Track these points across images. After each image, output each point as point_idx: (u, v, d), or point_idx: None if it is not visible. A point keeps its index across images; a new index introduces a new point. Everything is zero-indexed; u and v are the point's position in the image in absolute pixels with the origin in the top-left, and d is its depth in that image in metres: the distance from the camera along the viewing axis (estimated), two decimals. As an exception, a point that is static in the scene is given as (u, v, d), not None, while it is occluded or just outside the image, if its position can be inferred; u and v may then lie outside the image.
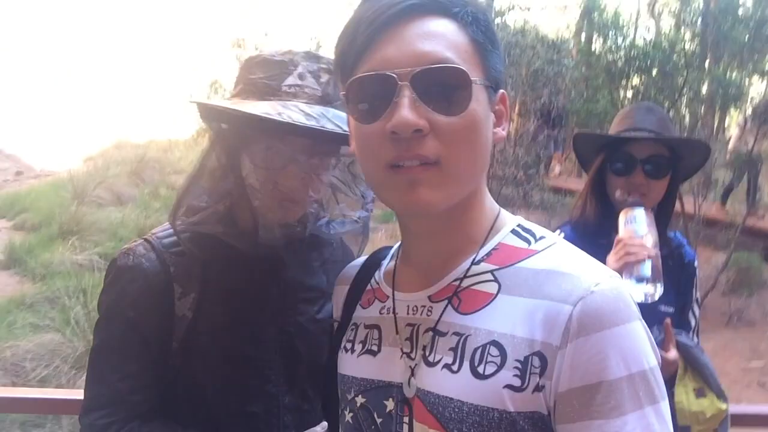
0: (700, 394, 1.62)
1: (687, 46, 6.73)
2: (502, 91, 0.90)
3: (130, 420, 1.15)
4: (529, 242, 0.90)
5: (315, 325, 1.29)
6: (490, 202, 0.95)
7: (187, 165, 16.57)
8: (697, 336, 1.88)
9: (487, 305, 0.86)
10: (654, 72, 6.51)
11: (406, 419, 0.89)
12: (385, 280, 1.02)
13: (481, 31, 0.86)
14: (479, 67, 0.85)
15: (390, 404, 0.91)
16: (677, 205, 1.83)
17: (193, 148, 17.94)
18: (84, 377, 1.25)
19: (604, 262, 1.63)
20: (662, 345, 1.58)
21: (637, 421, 0.76)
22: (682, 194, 1.95)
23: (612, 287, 0.81)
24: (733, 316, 7.51)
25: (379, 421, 0.93)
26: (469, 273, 0.89)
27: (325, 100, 1.15)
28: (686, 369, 1.65)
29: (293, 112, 1.08)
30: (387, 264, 1.06)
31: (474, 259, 0.90)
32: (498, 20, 8.43)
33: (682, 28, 7.52)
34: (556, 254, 0.87)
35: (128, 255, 1.20)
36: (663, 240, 1.75)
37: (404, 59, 0.80)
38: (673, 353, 1.58)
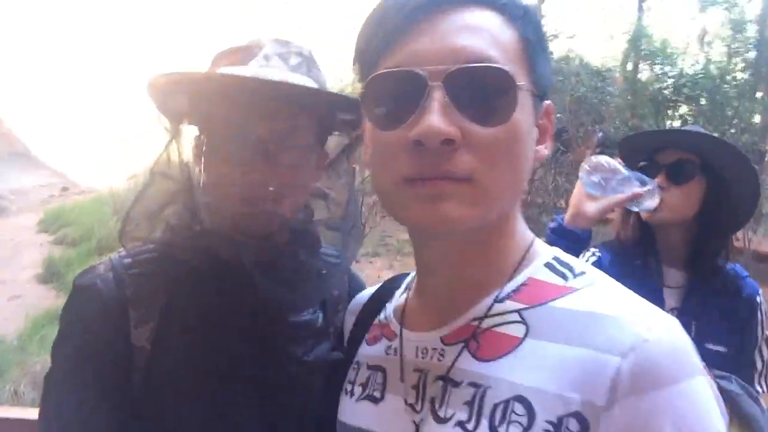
0: None
1: (738, 75, 6.51)
2: (548, 102, 0.77)
3: None
4: (566, 278, 0.76)
5: (302, 368, 1.04)
6: (522, 229, 0.81)
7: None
8: (766, 380, 1.70)
9: (511, 351, 0.71)
10: (703, 101, 6.30)
11: None
12: (394, 314, 0.88)
13: (532, 29, 0.74)
14: (527, 70, 0.72)
15: None
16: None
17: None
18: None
19: (640, 284, 1.53)
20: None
21: None
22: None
23: (670, 334, 0.67)
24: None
25: None
26: (492, 312, 0.75)
27: (299, 69, 1.00)
28: (735, 421, 1.49)
29: (228, 69, 0.96)
30: (400, 295, 0.92)
31: (498, 296, 0.76)
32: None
33: (734, 57, 7.30)
34: (600, 293, 0.73)
35: (87, 273, 1.04)
36: (712, 267, 1.63)
37: (438, 55, 0.68)
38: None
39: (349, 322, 0.99)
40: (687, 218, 1.66)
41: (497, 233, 0.76)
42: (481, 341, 0.74)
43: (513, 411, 0.67)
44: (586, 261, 1.68)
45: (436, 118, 0.65)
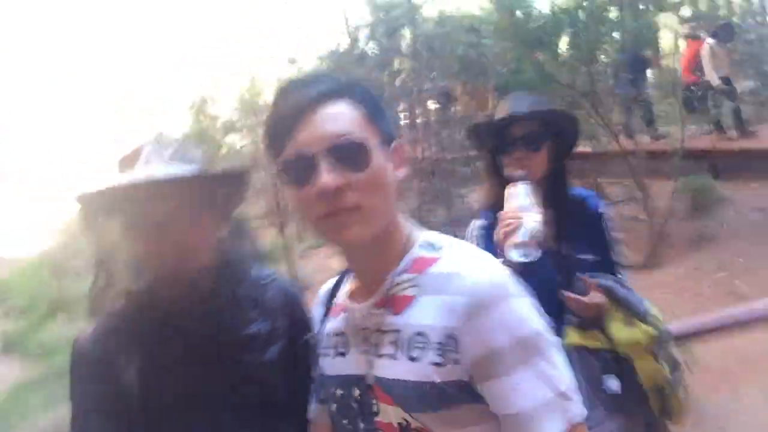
0: (629, 323, 1.91)
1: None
2: (395, 143, 1.19)
3: None
4: (432, 251, 1.17)
5: (263, 368, 1.41)
6: (403, 225, 1.21)
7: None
8: (625, 269, 2.15)
9: (411, 305, 1.13)
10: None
11: (374, 401, 1.15)
12: (345, 295, 1.29)
13: (371, 104, 1.15)
14: (373, 131, 1.12)
15: (356, 391, 1.18)
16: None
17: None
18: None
19: None
20: (584, 292, 1.89)
21: (527, 371, 1.03)
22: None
23: (489, 278, 1.08)
24: (695, 238, 7.93)
25: (354, 406, 1.19)
26: (395, 282, 1.16)
27: (176, 158, 1.33)
28: (614, 305, 1.95)
29: (116, 177, 1.29)
30: (350, 280, 1.32)
31: (396, 272, 1.16)
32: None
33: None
34: (453, 258, 1.15)
35: (78, 340, 1.41)
36: (563, 200, 2.06)
37: (317, 139, 1.07)
38: (592, 297, 1.88)
39: (318, 309, 1.38)
40: (544, 174, 2.05)
41: (385, 234, 1.16)
42: (393, 303, 1.16)
43: (416, 341, 1.10)
44: (473, 227, 2.10)
45: (325, 177, 1.05)
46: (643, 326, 1.90)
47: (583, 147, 9.53)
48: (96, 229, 1.34)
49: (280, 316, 1.49)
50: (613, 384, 1.88)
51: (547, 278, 1.83)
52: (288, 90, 1.13)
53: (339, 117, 1.10)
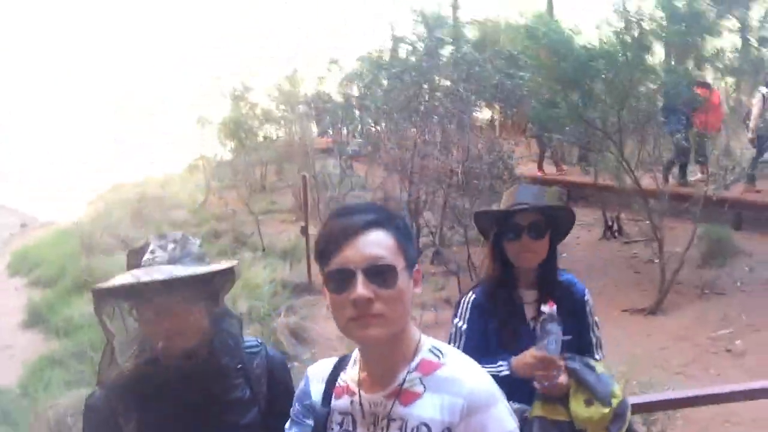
0: (588, 403, 2.12)
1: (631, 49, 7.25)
2: (416, 267, 1.40)
3: None
4: (439, 357, 1.40)
5: (243, 428, 1.68)
6: (413, 331, 1.42)
7: (186, 198, 17.24)
8: (600, 349, 2.40)
9: (418, 400, 1.35)
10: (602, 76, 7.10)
11: None
12: (351, 381, 1.45)
13: (402, 235, 1.38)
14: (402, 257, 1.35)
15: None
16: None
17: (188, 180, 18.51)
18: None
19: (508, 306, 2.25)
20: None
21: None
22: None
23: (483, 386, 1.35)
24: (705, 287, 8.00)
25: None
26: (407, 379, 1.37)
27: (172, 261, 1.59)
28: (577, 386, 2.20)
29: (124, 278, 1.54)
30: (351, 367, 1.48)
31: (408, 370, 1.38)
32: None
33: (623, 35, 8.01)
34: (455, 366, 1.39)
35: (90, 398, 1.69)
36: (553, 284, 2.30)
37: (358, 258, 1.30)
38: (562, 378, 2.13)
39: (318, 385, 1.51)
40: (543, 259, 2.28)
41: (400, 337, 1.37)
42: (403, 396, 1.36)
43: (420, 430, 1.32)
44: (468, 300, 2.34)
45: (361, 289, 1.27)
46: (601, 407, 2.14)
47: (608, 180, 9.76)
48: (107, 315, 1.61)
49: (263, 382, 1.75)
50: (569, 452, 2.13)
51: None
52: (340, 214, 1.39)
53: (377, 243, 1.33)
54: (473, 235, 8.91)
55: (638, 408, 2.55)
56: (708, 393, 2.69)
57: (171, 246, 1.62)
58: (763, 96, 9.73)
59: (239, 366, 1.72)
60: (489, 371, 2.20)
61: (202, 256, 1.67)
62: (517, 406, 2.14)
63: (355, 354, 1.50)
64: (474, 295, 2.34)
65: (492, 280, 2.33)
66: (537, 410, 2.16)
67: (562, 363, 2.11)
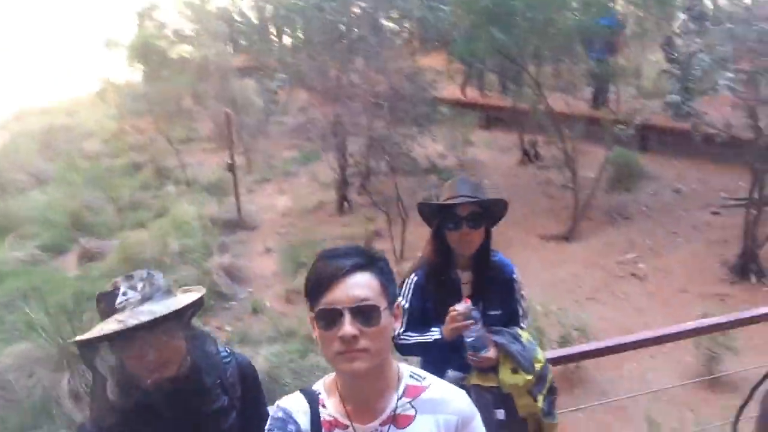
0: (514, 372, 2.44)
1: None
2: (396, 303, 1.51)
3: None
4: (420, 381, 1.53)
5: None
6: (393, 362, 1.53)
7: (96, 126, 16.35)
8: (526, 318, 2.70)
9: (412, 422, 1.48)
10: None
11: None
12: (339, 414, 1.51)
13: (385, 276, 1.47)
14: (384, 297, 1.44)
15: None
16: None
17: (97, 106, 17.50)
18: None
19: (448, 287, 2.51)
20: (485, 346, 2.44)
21: None
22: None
23: (465, 402, 1.53)
24: (614, 212, 8.62)
25: None
26: (398, 405, 1.48)
27: (145, 299, 1.69)
28: (505, 357, 2.51)
29: (110, 324, 1.64)
30: (329, 400, 1.55)
31: (398, 397, 1.50)
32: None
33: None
34: (436, 388, 1.53)
35: (81, 427, 1.81)
36: (486, 266, 2.57)
37: (346, 299, 1.39)
38: (491, 352, 2.43)
39: (302, 417, 1.55)
40: (479, 246, 2.53)
41: (383, 368, 1.47)
42: (398, 420, 1.47)
43: None
44: (411, 282, 2.59)
45: (347, 327, 1.37)
46: (524, 375, 2.47)
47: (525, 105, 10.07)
48: (92, 359, 1.73)
49: (237, 387, 1.91)
50: (500, 414, 2.46)
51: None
52: (328, 257, 1.47)
53: (363, 285, 1.43)
54: (399, 165, 9.17)
55: (555, 362, 2.90)
56: (618, 343, 3.09)
57: (140, 285, 1.72)
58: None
59: (218, 378, 1.87)
60: (424, 338, 2.52)
61: (169, 288, 1.79)
62: (457, 374, 2.47)
63: (325, 386, 1.59)
64: (416, 278, 2.58)
65: (432, 263, 2.57)
66: (473, 379, 2.47)
67: (487, 334, 2.41)
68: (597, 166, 8.81)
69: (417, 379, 1.55)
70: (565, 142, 8.74)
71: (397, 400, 1.50)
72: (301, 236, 8.67)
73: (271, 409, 1.60)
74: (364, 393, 1.49)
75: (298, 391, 1.61)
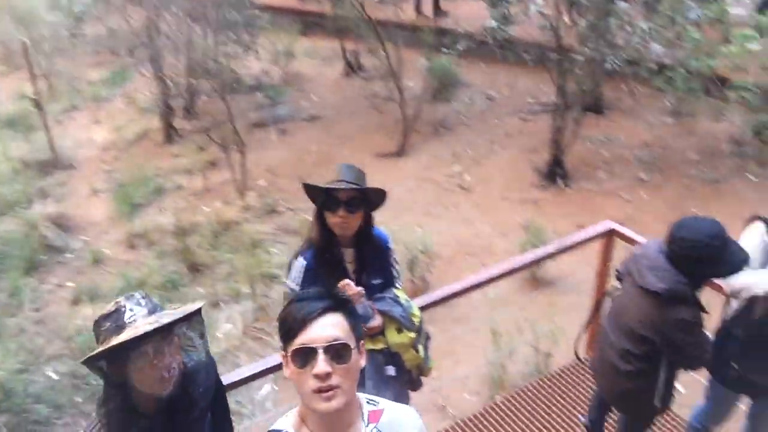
0: (399, 331, 2.80)
1: None
2: (362, 342, 1.61)
3: None
4: (375, 405, 1.67)
5: (201, 424, 2.08)
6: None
7: None
8: (399, 278, 3.02)
9: None
10: None
11: None
12: None
13: (353, 317, 1.59)
14: (353, 336, 1.55)
15: None
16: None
17: None
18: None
19: (333, 265, 2.75)
20: (372, 316, 2.74)
21: None
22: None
23: (415, 414, 1.73)
24: (438, 124, 9.08)
25: None
26: (367, 430, 1.62)
27: (151, 312, 1.83)
28: (389, 321, 2.84)
29: (127, 333, 1.75)
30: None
31: (365, 424, 1.62)
32: None
33: None
34: (389, 408, 1.69)
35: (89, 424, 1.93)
36: (368, 242, 2.83)
37: (319, 339, 1.48)
38: (377, 320, 2.74)
39: None
40: (360, 227, 2.74)
41: (351, 401, 1.57)
42: None
43: None
44: (301, 265, 2.76)
45: (322, 365, 1.46)
46: (408, 333, 2.82)
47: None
48: (101, 370, 1.83)
49: (208, 384, 2.09)
50: (391, 370, 2.83)
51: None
52: (301, 300, 1.59)
53: (335, 325, 1.54)
54: (227, 81, 8.61)
55: (424, 308, 3.29)
56: (472, 283, 3.56)
57: (143, 301, 1.85)
58: None
59: (202, 390, 2.05)
60: None
61: (161, 304, 1.92)
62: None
63: (294, 426, 1.66)
64: (305, 261, 2.77)
65: (317, 242, 2.76)
66: (366, 344, 2.78)
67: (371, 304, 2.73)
68: (418, 75, 9.08)
69: (373, 404, 1.70)
70: (387, 52, 8.86)
71: (365, 428, 1.64)
72: (130, 173, 8.21)
73: None
74: (336, 427, 1.62)
75: None
